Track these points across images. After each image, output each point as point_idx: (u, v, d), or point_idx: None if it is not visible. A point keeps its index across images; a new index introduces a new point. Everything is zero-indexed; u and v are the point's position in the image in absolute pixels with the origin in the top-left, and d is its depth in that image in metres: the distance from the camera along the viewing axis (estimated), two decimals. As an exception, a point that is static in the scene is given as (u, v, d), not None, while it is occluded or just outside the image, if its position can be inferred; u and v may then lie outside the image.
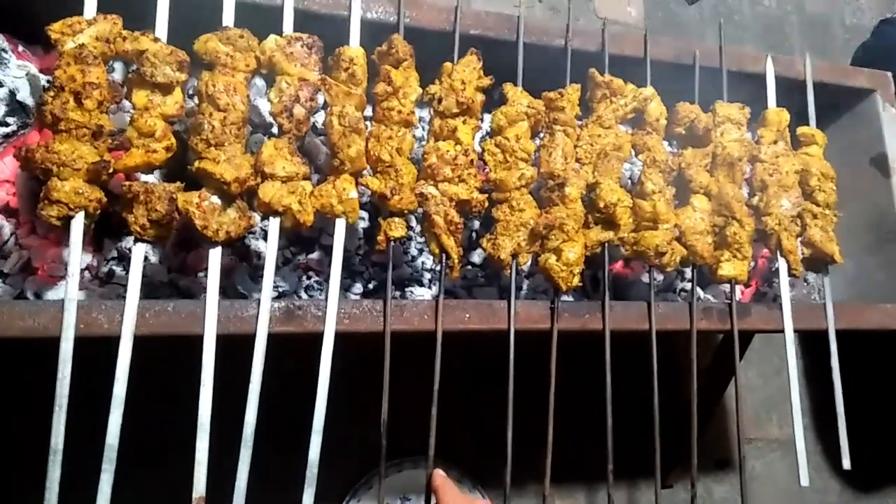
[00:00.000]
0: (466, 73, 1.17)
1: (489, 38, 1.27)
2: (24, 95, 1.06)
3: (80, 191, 0.93)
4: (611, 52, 1.32)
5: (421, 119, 1.39)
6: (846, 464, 1.29)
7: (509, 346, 1.12)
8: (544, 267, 1.17)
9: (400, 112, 1.12)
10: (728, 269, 1.29)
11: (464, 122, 1.16)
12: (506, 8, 1.30)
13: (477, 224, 1.41)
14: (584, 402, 1.33)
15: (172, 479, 1.01)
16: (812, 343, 2.10)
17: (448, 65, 1.18)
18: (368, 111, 1.18)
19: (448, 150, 1.14)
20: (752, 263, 1.51)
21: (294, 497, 0.99)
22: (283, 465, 1.09)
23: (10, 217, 1.13)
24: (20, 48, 1.15)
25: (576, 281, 1.18)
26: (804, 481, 1.26)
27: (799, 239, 1.39)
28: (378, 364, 1.05)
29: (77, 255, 0.93)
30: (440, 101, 1.15)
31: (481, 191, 1.16)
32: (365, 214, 1.32)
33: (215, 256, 1.00)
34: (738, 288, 1.37)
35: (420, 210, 1.13)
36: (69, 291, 0.91)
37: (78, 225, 0.94)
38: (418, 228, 1.35)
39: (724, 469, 2.01)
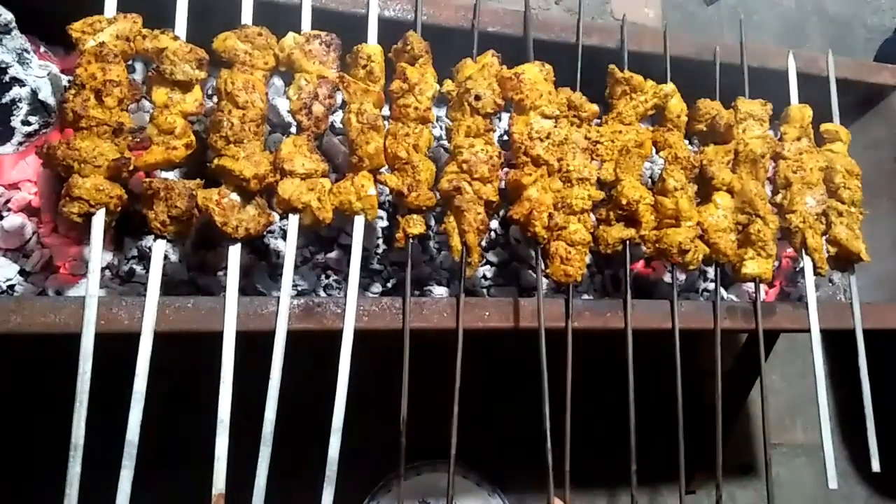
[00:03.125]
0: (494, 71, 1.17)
1: (507, 35, 1.27)
2: (46, 95, 1.07)
3: (101, 187, 0.93)
4: (630, 48, 1.31)
5: (438, 118, 1.39)
6: (875, 465, 1.27)
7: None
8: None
9: (416, 109, 1.11)
10: (752, 267, 1.27)
11: (491, 122, 1.15)
12: (521, 8, 1.29)
13: (495, 223, 1.40)
14: (604, 406, 1.31)
15: (192, 478, 1.00)
16: (836, 346, 2.06)
17: (466, 61, 1.18)
18: (387, 110, 1.18)
19: (483, 149, 1.12)
20: (776, 263, 1.49)
21: (313, 497, 0.98)
22: (303, 465, 1.09)
23: (32, 216, 1.13)
24: (42, 49, 1.16)
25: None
26: (832, 484, 1.23)
27: (824, 237, 1.37)
28: (394, 366, 1.04)
29: (98, 252, 0.93)
30: (478, 98, 1.14)
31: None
32: (383, 214, 1.31)
33: (235, 253, 1.00)
34: (763, 287, 1.35)
35: (438, 208, 1.12)
36: (90, 287, 0.91)
37: (99, 221, 0.94)
38: (436, 228, 1.35)
39: (747, 474, 1.97)
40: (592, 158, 1.22)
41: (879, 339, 1.40)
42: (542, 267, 1.17)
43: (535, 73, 1.17)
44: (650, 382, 1.21)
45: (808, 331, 1.30)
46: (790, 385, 2.10)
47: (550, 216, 1.14)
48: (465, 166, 1.11)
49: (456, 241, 1.10)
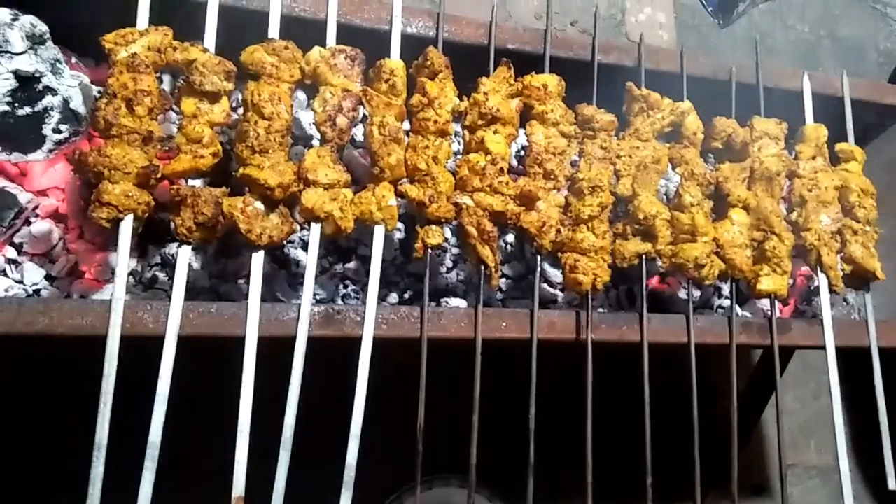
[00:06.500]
0: (494, 84, 1.19)
1: (526, 52, 1.29)
2: (77, 104, 1.10)
3: (130, 194, 0.96)
4: (647, 67, 1.33)
5: (457, 133, 1.41)
6: (892, 483, 1.25)
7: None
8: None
9: (436, 122, 1.13)
10: (767, 283, 1.28)
11: (494, 132, 1.17)
12: (538, 27, 1.32)
13: (511, 237, 1.41)
14: (617, 423, 1.31)
15: (210, 483, 1.01)
16: (849, 368, 2.05)
17: (483, 80, 1.20)
18: (408, 124, 1.20)
19: (478, 161, 1.14)
20: (791, 281, 1.50)
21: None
22: (321, 472, 1.09)
23: (59, 222, 1.16)
24: (73, 59, 1.19)
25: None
26: (848, 501, 1.22)
27: (839, 255, 1.37)
28: (405, 382, 1.04)
29: (125, 256, 0.95)
30: (465, 115, 1.17)
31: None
32: (401, 225, 1.33)
33: (258, 260, 1.02)
34: (777, 305, 1.35)
35: (455, 221, 1.13)
36: (117, 291, 0.93)
37: (127, 227, 0.96)
38: (453, 240, 1.36)
39: (760, 495, 1.96)
40: (613, 169, 1.24)
41: (893, 358, 1.40)
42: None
43: (555, 85, 1.20)
44: (662, 401, 1.21)
45: (824, 347, 1.30)
46: (803, 406, 2.09)
47: (558, 231, 1.16)
48: (460, 182, 1.13)
49: (472, 257, 1.11)
